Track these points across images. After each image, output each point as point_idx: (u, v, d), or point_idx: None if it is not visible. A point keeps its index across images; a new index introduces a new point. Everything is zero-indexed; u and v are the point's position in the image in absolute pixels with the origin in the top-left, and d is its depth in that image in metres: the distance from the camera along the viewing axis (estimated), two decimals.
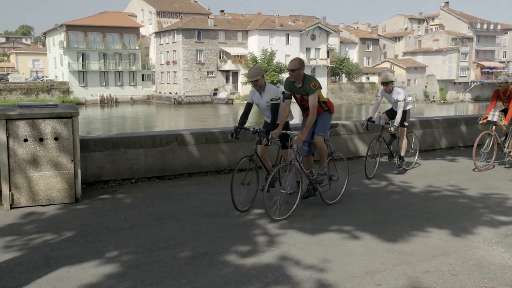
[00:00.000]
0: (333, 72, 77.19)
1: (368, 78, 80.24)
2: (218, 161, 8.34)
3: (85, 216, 5.78)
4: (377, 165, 8.19)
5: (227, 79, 69.60)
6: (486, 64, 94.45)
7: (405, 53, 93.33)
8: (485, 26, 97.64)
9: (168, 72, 69.51)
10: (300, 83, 5.88)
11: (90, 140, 7.27)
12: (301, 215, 5.75)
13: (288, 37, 70.38)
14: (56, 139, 6.16)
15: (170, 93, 68.42)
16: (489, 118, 8.62)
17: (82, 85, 66.79)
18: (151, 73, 73.28)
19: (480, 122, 8.88)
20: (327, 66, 74.48)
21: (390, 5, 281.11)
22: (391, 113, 8.35)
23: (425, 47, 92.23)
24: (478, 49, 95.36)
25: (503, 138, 9.03)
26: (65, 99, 62.73)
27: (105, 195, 6.75)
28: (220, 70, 68.94)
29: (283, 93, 6.07)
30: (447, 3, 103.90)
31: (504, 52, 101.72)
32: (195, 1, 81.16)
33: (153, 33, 73.11)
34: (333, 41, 79.40)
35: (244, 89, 67.40)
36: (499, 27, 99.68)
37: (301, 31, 71.77)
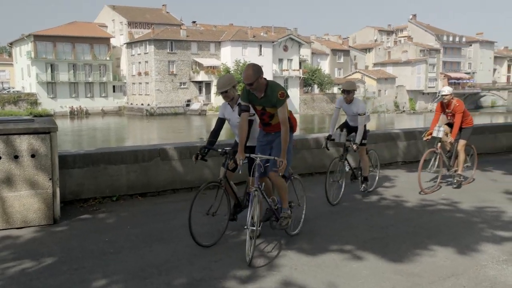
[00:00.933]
0: (305, 83, 77.75)
1: (339, 88, 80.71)
2: (203, 176, 7.99)
3: (65, 239, 5.36)
4: (342, 189, 7.09)
5: (200, 90, 69.16)
6: (453, 75, 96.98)
7: (375, 64, 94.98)
8: (451, 38, 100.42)
9: (140, 83, 68.60)
10: (262, 92, 4.80)
11: (68, 156, 6.84)
12: (296, 234, 5.47)
13: (261, 48, 70.55)
14: (32, 156, 5.73)
15: (142, 104, 67.47)
16: (434, 134, 7.78)
17: (51, 96, 65.21)
18: (123, 84, 72.18)
19: (425, 139, 7.96)
20: (300, 77, 74.95)
21: (359, 18, 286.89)
22: (347, 127, 7.47)
23: (395, 58, 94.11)
24: (445, 61, 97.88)
25: (447, 155, 8.25)
26: (33, 110, 61.00)
27: (85, 215, 6.32)
28: (193, 81, 68.47)
29: (238, 104, 5.02)
30: (414, 15, 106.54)
31: (469, 63, 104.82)
32: (167, 12, 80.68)
33: (124, 43, 72.16)
34: (305, 52, 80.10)
35: (217, 100, 66.99)
36: (464, 39, 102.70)
37: (273, 42, 72.10)
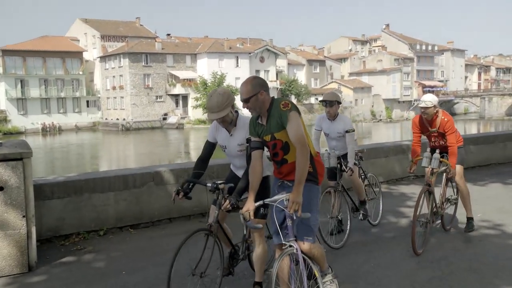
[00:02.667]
0: (283, 94, 77.23)
1: (317, 99, 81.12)
2: (203, 202, 6.84)
3: None
4: (348, 228, 5.49)
5: (177, 103, 67.80)
6: (427, 83, 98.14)
7: (351, 74, 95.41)
8: (423, 47, 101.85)
9: (115, 97, 66.87)
10: (266, 114, 3.54)
11: (45, 185, 5.70)
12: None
13: (237, 60, 69.82)
14: (1, 189, 4.60)
15: (118, 119, 65.71)
16: (425, 164, 5.29)
17: (22, 113, 62.81)
18: (97, 99, 70.26)
19: (411, 170, 5.67)
20: (277, 88, 74.42)
21: (333, 28, 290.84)
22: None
23: (370, 68, 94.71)
24: (419, 69, 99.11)
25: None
26: (2, 128, 58.67)
27: (68, 257, 5.18)
28: (169, 94, 67.12)
29: (248, 140, 3.76)
30: (387, 25, 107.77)
31: (441, 71, 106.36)
32: (141, 25, 79.36)
33: (97, 57, 70.39)
34: (281, 63, 79.80)
35: (195, 113, 65.85)
36: (436, 48, 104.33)
37: (250, 53, 71.50)
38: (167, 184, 6.60)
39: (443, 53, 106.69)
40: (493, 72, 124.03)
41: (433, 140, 5.68)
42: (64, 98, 66.19)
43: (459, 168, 5.65)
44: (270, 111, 3.51)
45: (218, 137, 4.05)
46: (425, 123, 5.59)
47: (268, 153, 3.74)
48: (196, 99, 64.59)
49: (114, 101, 67.11)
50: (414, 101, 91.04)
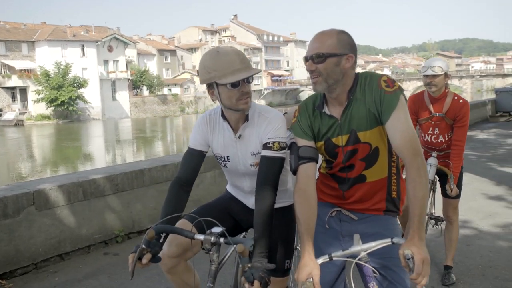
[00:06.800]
0: (134, 85, 73.56)
1: (170, 90, 79.28)
2: (106, 224, 5.08)
3: None
4: None
5: (14, 97, 59.65)
6: (275, 72, 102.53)
7: None
8: (270, 38, 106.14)
9: None
10: (346, 97, 2.00)
11: None
12: None
13: (83, 49, 64.03)
14: None
15: None
16: None
17: None
18: None
19: None
20: (128, 79, 70.46)
21: (181, 17, 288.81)
22: None
23: None
24: (267, 59, 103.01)
25: None
26: None
27: None
28: (3, 87, 58.65)
29: (291, 146, 2.10)
30: (235, 15, 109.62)
31: (287, 61, 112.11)
32: None
33: None
34: (130, 52, 75.86)
35: (37, 107, 58.83)
36: (281, 39, 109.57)
37: (97, 42, 66.22)
38: (55, 207, 4.60)
39: (287, 44, 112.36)
40: None
41: (429, 132, 3.74)
42: None
43: (455, 202, 3.80)
44: (354, 92, 1.99)
45: (214, 141, 2.35)
46: (427, 102, 3.70)
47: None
48: (38, 92, 57.67)
49: None
50: (264, 89, 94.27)
